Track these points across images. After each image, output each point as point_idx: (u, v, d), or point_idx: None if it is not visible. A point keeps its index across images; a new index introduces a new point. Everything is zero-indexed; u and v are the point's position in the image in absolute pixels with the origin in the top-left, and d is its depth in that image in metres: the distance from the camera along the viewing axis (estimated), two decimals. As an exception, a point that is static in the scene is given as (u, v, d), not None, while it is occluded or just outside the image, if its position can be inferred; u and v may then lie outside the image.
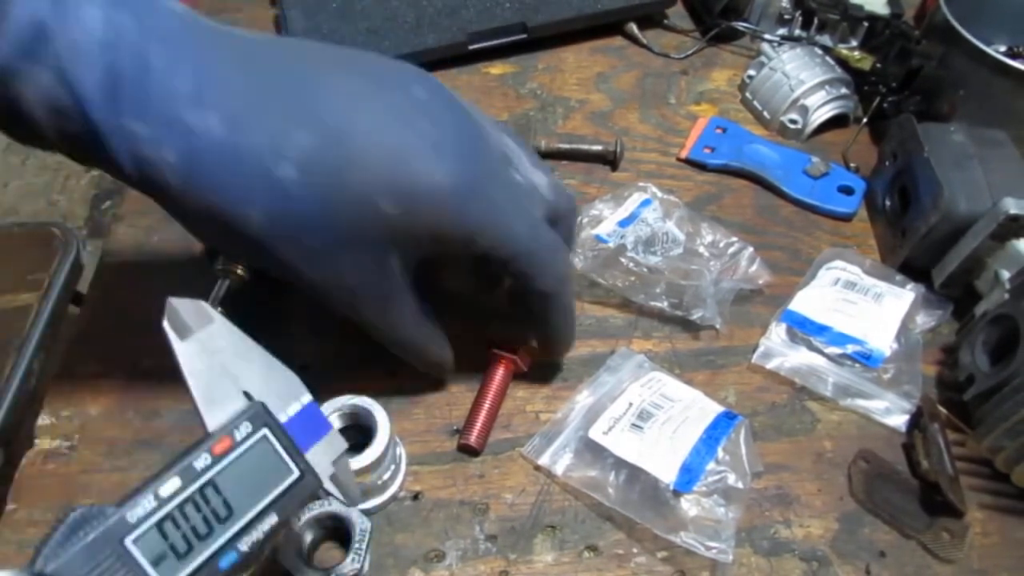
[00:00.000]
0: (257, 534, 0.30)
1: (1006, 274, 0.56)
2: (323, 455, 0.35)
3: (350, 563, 0.44)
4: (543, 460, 0.51)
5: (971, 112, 0.67)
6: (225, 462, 0.30)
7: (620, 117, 0.76)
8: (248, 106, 0.37)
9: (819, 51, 0.77)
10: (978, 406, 0.53)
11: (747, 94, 0.78)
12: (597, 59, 0.82)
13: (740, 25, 0.82)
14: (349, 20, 0.78)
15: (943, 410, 0.54)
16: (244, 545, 0.30)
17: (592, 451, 0.51)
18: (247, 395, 0.33)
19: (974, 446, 0.53)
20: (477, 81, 0.78)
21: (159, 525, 0.28)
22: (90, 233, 1.84)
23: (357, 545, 0.45)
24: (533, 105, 0.77)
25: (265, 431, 0.32)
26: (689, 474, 0.48)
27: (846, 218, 0.69)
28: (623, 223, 0.63)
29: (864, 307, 0.59)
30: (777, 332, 0.59)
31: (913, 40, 0.71)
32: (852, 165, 0.73)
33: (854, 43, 0.79)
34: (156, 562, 0.28)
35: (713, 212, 0.69)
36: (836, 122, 0.75)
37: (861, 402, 0.56)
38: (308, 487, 0.32)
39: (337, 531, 0.47)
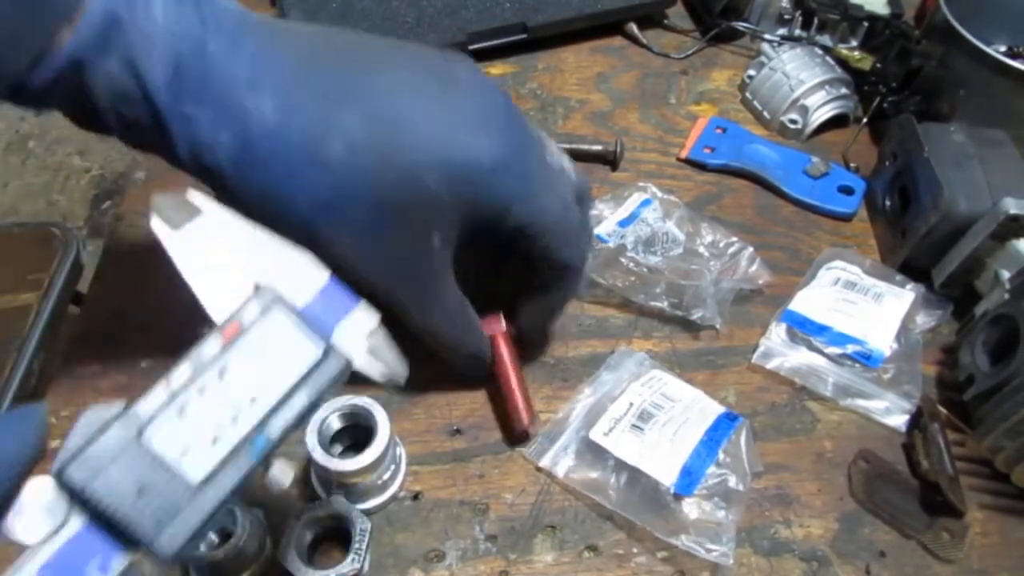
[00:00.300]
0: (286, 417, 0.28)
1: (1006, 274, 0.56)
2: (354, 331, 0.32)
3: (350, 563, 0.44)
4: (544, 462, 0.51)
5: (971, 112, 0.67)
6: (237, 347, 0.29)
7: (620, 117, 0.76)
8: (300, 90, 0.38)
9: (819, 51, 0.77)
10: (978, 406, 0.53)
11: (747, 94, 0.78)
12: (597, 59, 0.82)
13: (740, 25, 0.82)
14: (349, 20, 0.78)
15: (943, 410, 0.54)
16: (274, 430, 0.28)
17: (593, 452, 0.51)
18: (255, 283, 0.31)
19: (974, 446, 0.53)
20: (477, 81, 0.78)
21: (178, 417, 0.27)
22: (90, 233, 1.84)
23: (357, 545, 0.45)
24: (533, 105, 0.77)
25: (276, 314, 0.30)
26: (690, 477, 0.48)
27: (846, 218, 0.69)
28: (623, 223, 0.63)
29: (864, 307, 0.59)
30: (777, 332, 0.59)
31: (913, 40, 0.71)
32: (852, 165, 0.73)
33: (854, 43, 0.79)
34: (181, 455, 0.26)
35: (713, 212, 0.69)
36: (836, 122, 0.75)
37: (861, 402, 0.56)
38: (334, 366, 0.30)
39: (337, 531, 0.47)
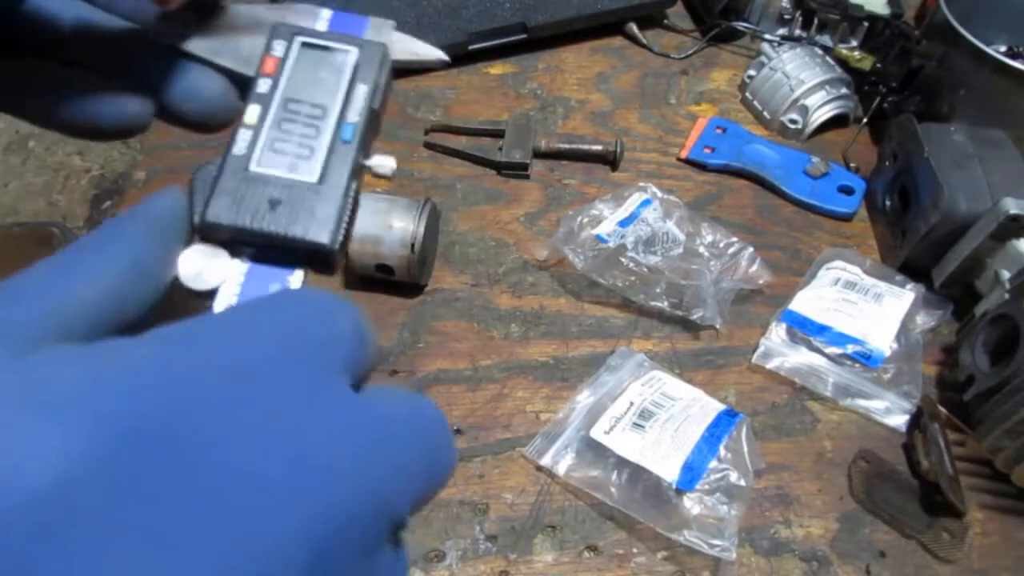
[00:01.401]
0: (359, 103, 0.30)
1: (1006, 274, 0.56)
2: (376, 36, 0.34)
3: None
4: (545, 461, 0.51)
5: (971, 112, 0.67)
6: (284, 76, 0.31)
7: (620, 117, 0.76)
8: None
9: (819, 51, 0.77)
10: (978, 406, 0.52)
11: (747, 94, 0.78)
12: (597, 59, 0.82)
13: (740, 25, 0.82)
14: (349, 20, 0.78)
15: (943, 410, 0.54)
16: (353, 115, 0.30)
17: (594, 451, 0.51)
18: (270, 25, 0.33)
19: (974, 446, 0.53)
20: (477, 81, 0.78)
21: (269, 145, 0.29)
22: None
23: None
24: (533, 105, 0.77)
25: (300, 37, 0.32)
26: (691, 472, 0.48)
27: (846, 218, 0.69)
28: (623, 223, 0.63)
29: (864, 307, 0.59)
30: (777, 332, 0.59)
31: (913, 40, 0.71)
32: (852, 165, 0.73)
33: (854, 43, 0.79)
34: (290, 170, 0.28)
35: (713, 212, 0.69)
36: (836, 122, 0.75)
37: (861, 402, 0.56)
38: (376, 51, 0.32)
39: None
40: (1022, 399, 0.49)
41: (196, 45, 0.33)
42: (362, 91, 0.31)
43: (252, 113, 0.30)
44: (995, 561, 0.50)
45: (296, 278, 0.28)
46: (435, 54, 0.34)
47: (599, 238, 0.62)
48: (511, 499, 0.51)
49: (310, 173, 0.29)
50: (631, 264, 0.59)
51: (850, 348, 0.57)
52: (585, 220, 0.63)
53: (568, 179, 0.71)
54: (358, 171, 0.30)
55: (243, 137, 0.29)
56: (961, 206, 0.57)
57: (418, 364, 0.57)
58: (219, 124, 0.35)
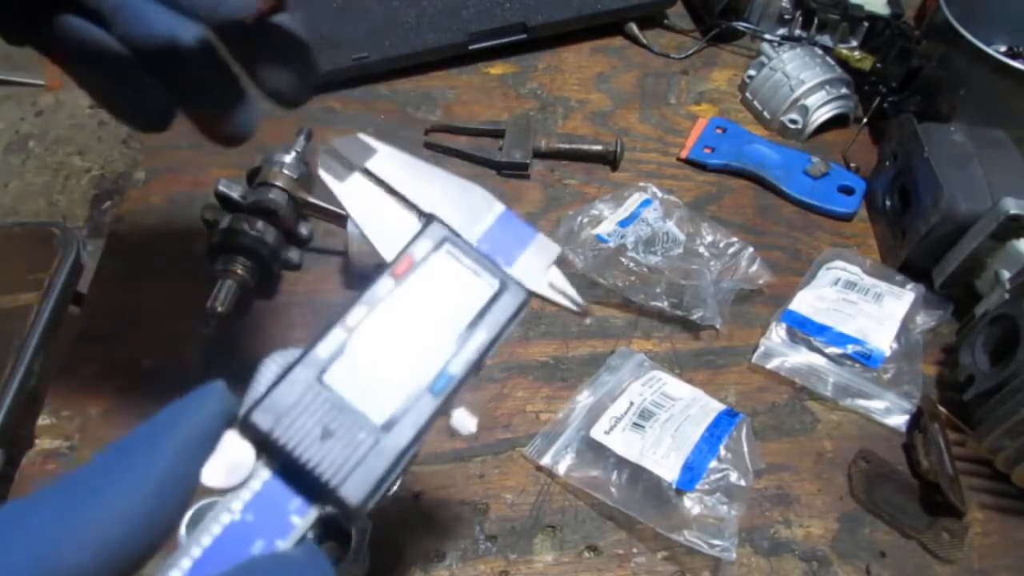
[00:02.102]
0: (467, 355, 0.27)
1: (1006, 274, 0.56)
2: (534, 263, 0.31)
3: (350, 563, 0.44)
4: (545, 461, 0.51)
5: (971, 112, 0.67)
6: (410, 284, 0.27)
7: (620, 117, 0.76)
8: None
9: (819, 51, 0.77)
10: (978, 406, 0.52)
11: (747, 94, 0.78)
12: (597, 59, 0.82)
13: (740, 25, 0.82)
14: (349, 20, 0.78)
15: (943, 410, 0.54)
16: (456, 368, 0.27)
17: (594, 451, 0.51)
18: (424, 216, 0.30)
19: (974, 446, 0.53)
20: (477, 81, 0.78)
21: (358, 358, 0.26)
22: (90, 233, 1.83)
23: (357, 545, 0.45)
24: (533, 105, 0.77)
25: (448, 246, 0.29)
26: (691, 472, 0.48)
27: (846, 218, 0.69)
28: (623, 223, 0.63)
29: (864, 307, 0.59)
30: (777, 332, 0.59)
31: (913, 40, 0.71)
32: (852, 165, 0.73)
33: (854, 43, 0.79)
34: (363, 396, 0.25)
35: (713, 212, 0.69)
36: (836, 122, 0.75)
37: (861, 402, 0.56)
38: (514, 299, 0.29)
39: (337, 531, 0.47)
40: (1022, 399, 0.49)
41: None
42: (480, 339, 0.27)
43: (357, 316, 0.27)
44: (995, 561, 0.50)
45: (306, 521, 0.24)
46: (579, 301, 0.33)
47: (599, 238, 0.62)
48: (511, 499, 0.51)
49: (379, 412, 0.25)
50: (631, 264, 0.59)
51: (850, 348, 0.57)
52: (585, 220, 0.63)
53: (568, 179, 0.71)
54: (432, 426, 0.27)
55: (335, 339, 0.26)
56: (961, 206, 0.57)
57: (418, 364, 0.57)
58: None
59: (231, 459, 0.24)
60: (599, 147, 0.71)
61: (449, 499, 0.50)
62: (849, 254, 0.64)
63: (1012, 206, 0.54)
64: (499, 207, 0.31)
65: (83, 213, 1.90)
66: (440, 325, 0.27)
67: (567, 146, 0.72)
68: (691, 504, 0.48)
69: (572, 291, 0.32)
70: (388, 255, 0.28)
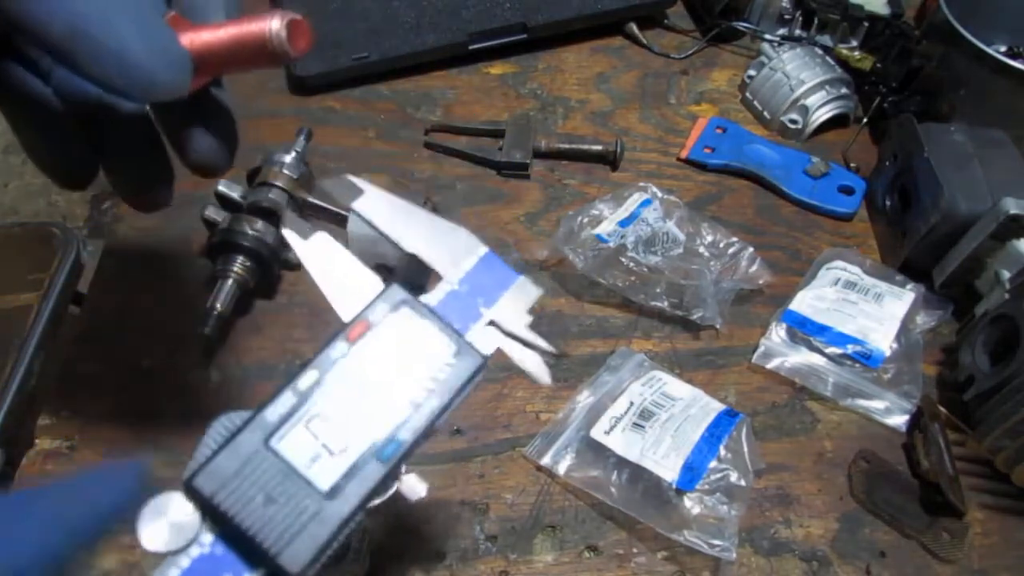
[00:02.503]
0: (418, 421, 0.27)
1: (1006, 274, 0.56)
2: (515, 305, 0.32)
3: (350, 563, 0.44)
4: (545, 461, 0.51)
5: (971, 112, 0.67)
6: (364, 349, 0.27)
7: (620, 117, 0.76)
8: None
9: (819, 51, 0.77)
10: (978, 406, 0.52)
11: (747, 94, 0.78)
12: (597, 59, 0.82)
13: (740, 25, 0.82)
14: (349, 20, 0.78)
15: (943, 410, 0.54)
16: (406, 435, 0.27)
17: (594, 451, 0.51)
18: (384, 277, 0.30)
19: (974, 446, 0.53)
20: (477, 81, 0.78)
21: (307, 423, 0.26)
22: (90, 233, 1.83)
23: (357, 545, 0.45)
24: (533, 105, 0.77)
25: (405, 310, 0.28)
26: (692, 472, 0.48)
27: (846, 218, 0.69)
28: (623, 223, 0.63)
29: (864, 307, 0.59)
30: (777, 332, 0.59)
31: (913, 40, 0.71)
32: (852, 165, 0.73)
33: (854, 43, 0.79)
34: (310, 462, 0.25)
35: (713, 212, 0.69)
36: (836, 122, 0.75)
37: (861, 402, 0.56)
38: (470, 364, 0.29)
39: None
40: (1022, 399, 0.49)
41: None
42: (432, 406, 0.28)
43: (307, 379, 0.26)
44: (995, 561, 0.50)
45: None
46: (544, 376, 0.33)
47: (599, 238, 0.62)
48: (511, 499, 0.51)
49: (325, 478, 0.25)
50: (631, 264, 0.59)
51: (850, 348, 0.57)
52: (585, 220, 0.63)
53: (568, 179, 0.71)
54: (379, 493, 0.27)
55: (284, 402, 0.26)
56: (961, 206, 0.57)
57: (418, 364, 0.57)
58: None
59: (175, 522, 0.24)
60: (599, 147, 0.71)
61: (449, 499, 0.50)
62: (849, 254, 0.64)
63: (1012, 206, 0.54)
64: (482, 249, 0.32)
65: (83, 213, 1.90)
66: (392, 390, 0.27)
67: (567, 146, 0.72)
68: (691, 504, 0.48)
69: (535, 361, 0.33)
70: (346, 316, 0.29)
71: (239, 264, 0.55)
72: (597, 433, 0.51)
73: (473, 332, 0.31)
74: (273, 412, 0.26)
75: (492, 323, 0.31)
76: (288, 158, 0.58)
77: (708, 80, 0.81)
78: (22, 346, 0.68)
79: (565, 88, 0.79)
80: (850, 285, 0.60)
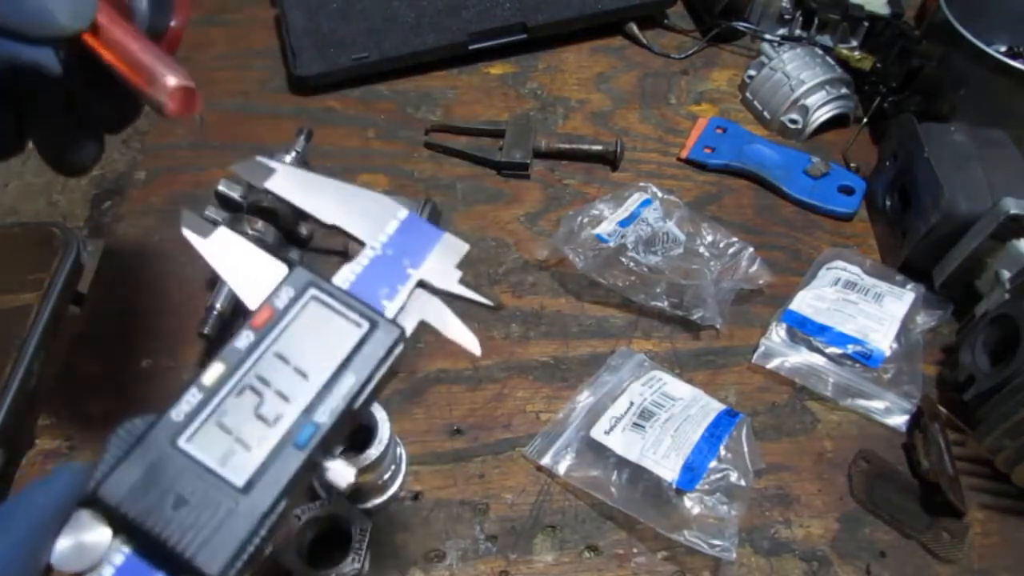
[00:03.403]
0: (335, 401, 0.26)
1: (1006, 274, 0.56)
2: (443, 262, 0.31)
3: (350, 563, 0.44)
4: (545, 461, 0.51)
5: (971, 112, 0.67)
6: (272, 335, 0.26)
7: (620, 117, 0.76)
8: None
9: (819, 51, 0.77)
10: (978, 406, 0.52)
11: (747, 94, 0.78)
12: (597, 59, 0.82)
13: (740, 25, 0.82)
14: (349, 20, 0.78)
15: (943, 410, 0.54)
16: (322, 415, 0.25)
17: (594, 451, 0.51)
18: (288, 263, 0.29)
19: (974, 446, 0.53)
20: (477, 81, 0.78)
21: (217, 419, 0.25)
22: (90, 233, 1.83)
23: (357, 545, 0.45)
24: (533, 105, 0.77)
25: (313, 291, 0.27)
26: (692, 472, 0.48)
27: (846, 218, 0.69)
28: (623, 223, 0.63)
29: (864, 307, 0.59)
30: (777, 332, 0.59)
31: (913, 40, 0.71)
32: (852, 165, 0.73)
33: (854, 43, 0.79)
34: (222, 459, 0.24)
35: (713, 212, 0.69)
36: (836, 122, 0.75)
37: (861, 402, 0.56)
38: (387, 337, 0.27)
39: (337, 531, 0.47)
40: (1022, 399, 0.49)
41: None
42: (349, 384, 0.26)
43: (213, 373, 0.25)
44: (995, 561, 0.50)
45: None
46: (472, 345, 0.32)
47: (599, 238, 0.62)
48: (511, 499, 0.51)
49: (239, 474, 0.24)
50: (631, 264, 0.59)
51: (850, 348, 0.57)
52: (585, 220, 0.63)
53: (568, 179, 0.71)
54: (302, 482, 0.25)
55: (190, 400, 0.25)
56: (961, 206, 0.57)
57: (418, 364, 0.57)
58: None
59: (85, 540, 0.23)
60: (599, 147, 0.71)
61: (449, 499, 0.50)
62: (849, 254, 0.64)
63: (1012, 206, 0.54)
64: (403, 212, 0.31)
65: (83, 213, 1.90)
66: (304, 374, 0.26)
67: (567, 146, 0.72)
68: (691, 504, 0.48)
69: (460, 328, 0.32)
70: (252, 302, 0.28)
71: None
72: (597, 433, 0.51)
73: (401, 295, 0.30)
74: (178, 412, 0.25)
75: (422, 283, 0.31)
76: (288, 158, 0.58)
77: (708, 80, 0.81)
78: (22, 346, 0.68)
79: (565, 88, 0.79)
80: (850, 285, 0.60)
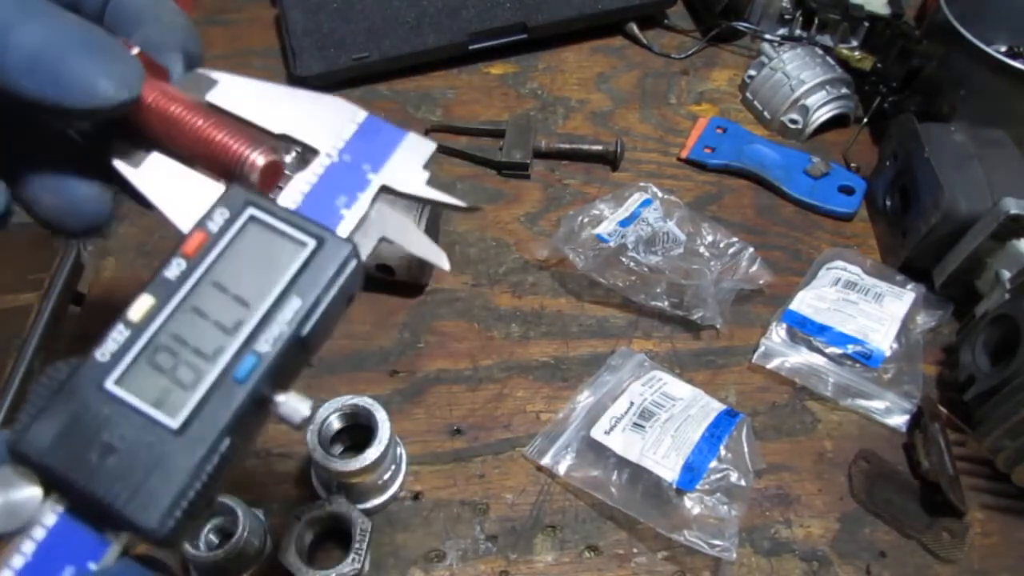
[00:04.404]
0: (279, 328, 0.23)
1: (1006, 274, 0.56)
2: (407, 163, 0.28)
3: (350, 563, 0.44)
4: (545, 461, 0.51)
5: (971, 112, 0.67)
6: (207, 262, 0.24)
7: (620, 117, 0.76)
8: None
9: (820, 51, 0.77)
10: (978, 406, 0.52)
11: (747, 94, 0.78)
12: (597, 59, 0.82)
13: (740, 25, 0.82)
14: (349, 20, 0.78)
15: (943, 410, 0.54)
16: (264, 344, 0.23)
17: (594, 451, 0.51)
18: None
19: (974, 446, 0.53)
20: (477, 81, 0.78)
21: (148, 357, 0.22)
22: (90, 233, 1.83)
23: (357, 545, 0.45)
24: (533, 105, 0.77)
25: (251, 211, 0.25)
26: (692, 472, 0.48)
27: (846, 218, 0.69)
28: (624, 223, 0.63)
29: (864, 307, 0.59)
30: (777, 332, 0.59)
31: (914, 40, 0.71)
32: (852, 165, 0.73)
33: (855, 43, 0.79)
34: (156, 400, 0.22)
35: (713, 212, 0.69)
36: (836, 122, 0.75)
37: (861, 402, 0.56)
38: (336, 254, 0.24)
39: (337, 531, 0.47)
40: (1022, 399, 0.49)
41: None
42: (294, 308, 0.23)
43: (141, 307, 0.23)
44: (995, 561, 0.50)
45: (109, 557, 0.21)
46: (442, 260, 0.29)
47: (600, 238, 0.62)
48: (511, 499, 0.51)
49: (173, 415, 0.22)
50: (631, 264, 0.59)
51: (850, 348, 0.57)
52: (585, 220, 0.63)
53: (568, 179, 0.71)
54: (247, 421, 0.23)
55: (116, 338, 0.23)
56: (961, 206, 0.57)
57: (418, 364, 0.57)
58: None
59: (12, 499, 0.21)
60: (599, 147, 0.71)
61: (449, 499, 0.50)
62: (849, 254, 0.64)
63: (1012, 206, 0.54)
64: (361, 114, 0.28)
65: (83, 213, 1.90)
66: (245, 302, 0.23)
67: (567, 146, 0.72)
68: (691, 504, 0.48)
69: (426, 243, 0.29)
70: (185, 227, 0.25)
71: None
72: (597, 433, 0.51)
73: (362, 202, 0.27)
74: (103, 352, 0.22)
75: (385, 188, 0.27)
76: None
77: (708, 80, 0.81)
78: (22, 346, 0.68)
79: (565, 88, 0.79)
80: (850, 285, 0.60)
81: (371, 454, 0.45)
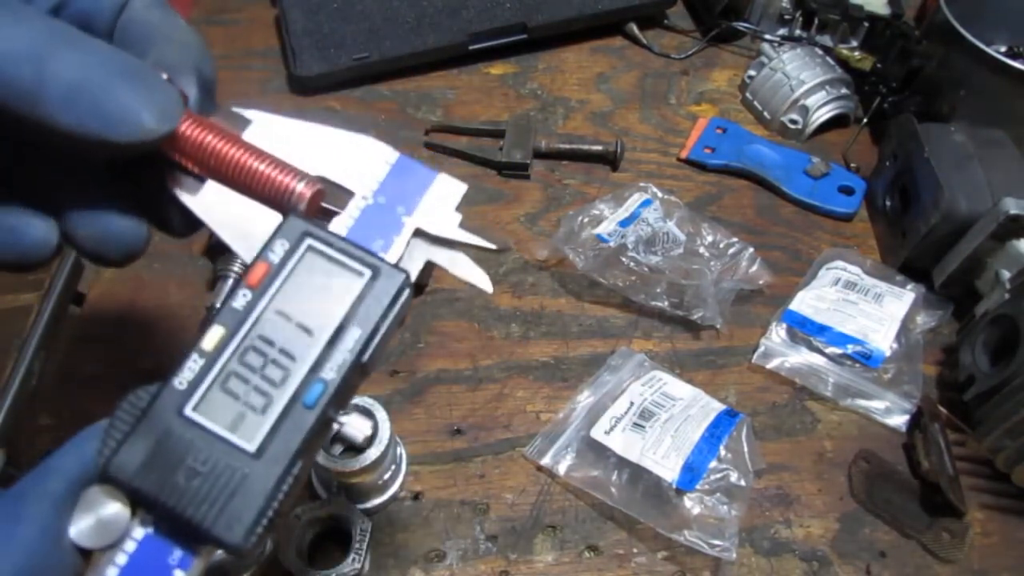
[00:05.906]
0: (342, 356, 0.24)
1: (1006, 274, 0.56)
2: (439, 205, 0.29)
3: (350, 563, 0.44)
4: (545, 461, 0.51)
5: (971, 112, 0.67)
6: (270, 292, 0.25)
7: (620, 117, 0.76)
8: None
9: (819, 51, 0.77)
10: (978, 406, 0.52)
11: (747, 94, 0.78)
12: (597, 59, 0.82)
13: (740, 25, 0.82)
14: (349, 20, 0.78)
15: (943, 410, 0.54)
16: (330, 371, 0.24)
17: (594, 451, 0.51)
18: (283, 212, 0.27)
19: (974, 446, 0.53)
20: (477, 81, 0.78)
21: (222, 384, 0.24)
22: (90, 233, 1.83)
23: (357, 545, 0.45)
24: (533, 105, 0.77)
25: (309, 241, 0.26)
26: (692, 472, 0.48)
27: (846, 218, 0.69)
28: (624, 223, 0.63)
29: (864, 307, 0.59)
30: (777, 332, 0.59)
31: (913, 40, 0.71)
32: (852, 165, 0.73)
33: (854, 43, 0.79)
34: (232, 425, 0.23)
35: (713, 212, 0.69)
36: (836, 122, 0.75)
37: (861, 402, 0.56)
38: (391, 283, 0.25)
39: (337, 531, 0.47)
40: (1022, 399, 0.49)
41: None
42: (355, 337, 0.25)
43: (213, 337, 0.24)
44: (995, 561, 0.50)
45: (193, 572, 0.23)
46: (483, 281, 0.29)
47: (600, 238, 0.62)
48: (511, 499, 0.51)
49: (250, 439, 0.23)
50: (631, 264, 0.59)
51: (850, 348, 0.57)
52: (585, 220, 0.63)
53: (568, 179, 0.71)
54: (316, 441, 0.24)
55: (191, 367, 0.24)
56: (961, 206, 0.57)
57: (418, 364, 0.57)
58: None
59: (104, 516, 0.23)
60: (599, 147, 0.71)
61: (449, 499, 0.50)
62: (849, 254, 0.64)
63: (1012, 206, 0.54)
64: (393, 155, 0.29)
65: (83, 213, 1.90)
66: (308, 330, 0.25)
67: (567, 146, 0.72)
68: (691, 504, 0.48)
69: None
70: (249, 255, 0.26)
71: (239, 264, 0.55)
72: (597, 433, 0.51)
73: (397, 246, 0.28)
74: (181, 380, 0.24)
75: (419, 232, 0.28)
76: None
77: (708, 80, 0.81)
78: (22, 346, 0.68)
79: (565, 88, 0.79)
80: (850, 285, 0.60)
81: (371, 454, 0.45)
